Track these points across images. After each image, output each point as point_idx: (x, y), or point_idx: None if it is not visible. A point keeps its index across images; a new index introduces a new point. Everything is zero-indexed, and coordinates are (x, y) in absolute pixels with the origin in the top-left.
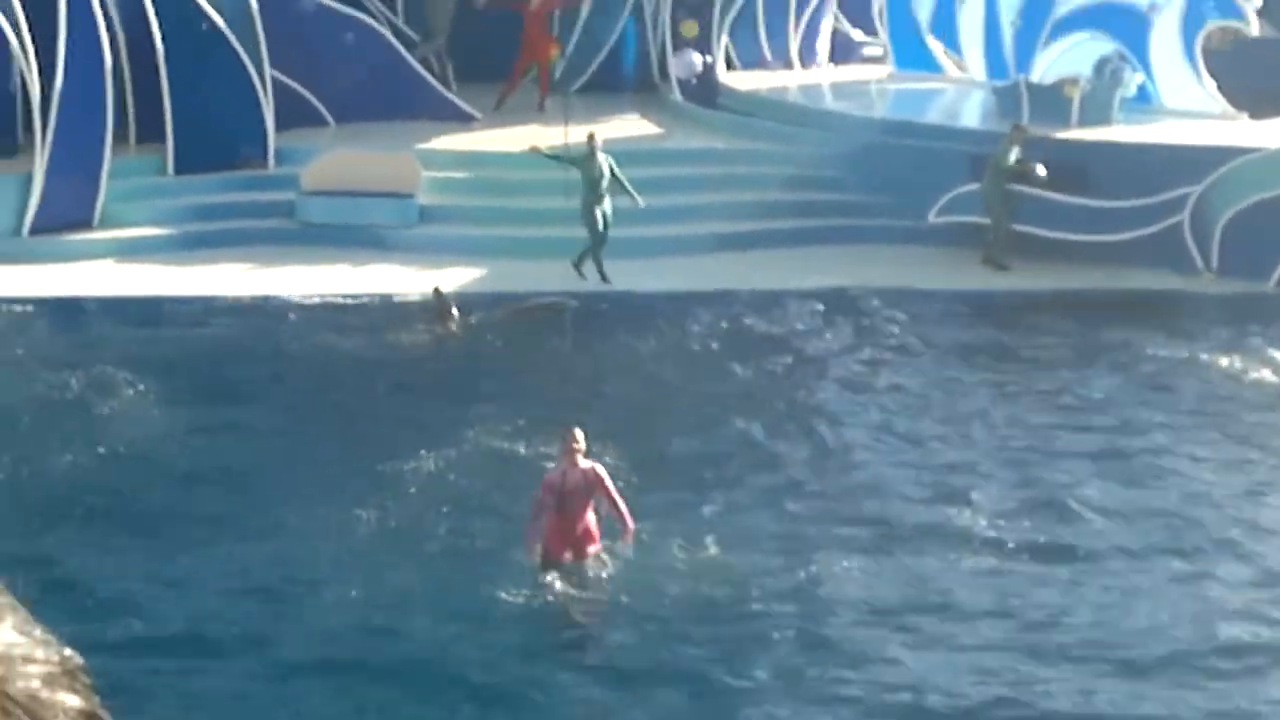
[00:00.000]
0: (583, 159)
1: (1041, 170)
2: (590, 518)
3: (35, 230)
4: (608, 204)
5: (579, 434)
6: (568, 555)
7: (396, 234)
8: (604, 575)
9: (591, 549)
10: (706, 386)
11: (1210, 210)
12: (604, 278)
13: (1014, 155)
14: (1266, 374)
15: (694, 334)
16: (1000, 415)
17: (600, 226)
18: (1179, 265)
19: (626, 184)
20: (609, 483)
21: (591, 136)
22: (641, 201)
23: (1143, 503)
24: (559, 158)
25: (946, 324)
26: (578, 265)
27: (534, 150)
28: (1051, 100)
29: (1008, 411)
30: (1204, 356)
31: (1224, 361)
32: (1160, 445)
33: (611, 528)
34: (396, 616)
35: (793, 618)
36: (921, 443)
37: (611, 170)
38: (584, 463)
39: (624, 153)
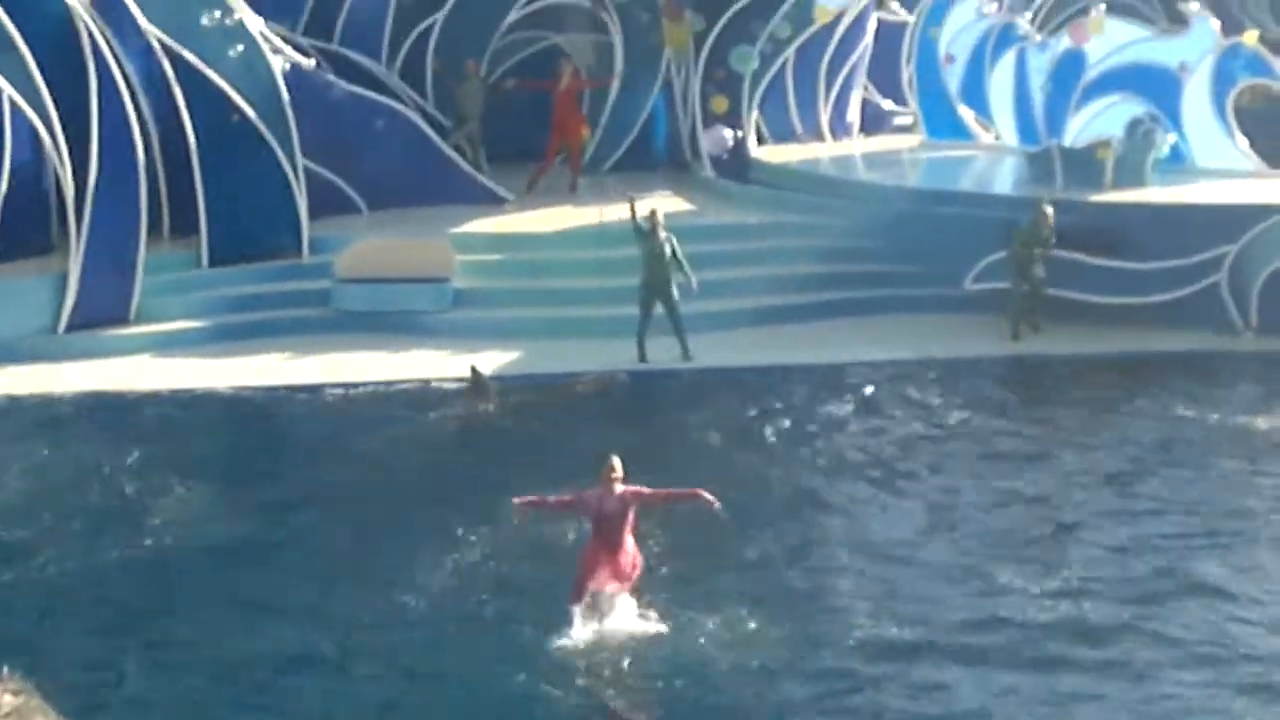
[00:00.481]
0: (643, 235)
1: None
2: (630, 543)
3: (71, 327)
4: (671, 282)
5: (617, 462)
6: (611, 582)
7: (432, 319)
8: (649, 653)
9: (634, 574)
10: (749, 462)
11: (1248, 269)
12: (642, 357)
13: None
14: None
15: (736, 410)
16: (1044, 486)
17: (654, 305)
18: (1219, 325)
19: (685, 263)
20: (648, 491)
21: (654, 213)
22: (695, 283)
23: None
24: (637, 228)
25: (991, 391)
26: (642, 343)
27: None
28: (1085, 164)
29: (1051, 482)
30: (1243, 418)
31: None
32: (1201, 527)
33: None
34: (432, 696)
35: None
36: (965, 518)
37: (673, 249)
38: (620, 488)
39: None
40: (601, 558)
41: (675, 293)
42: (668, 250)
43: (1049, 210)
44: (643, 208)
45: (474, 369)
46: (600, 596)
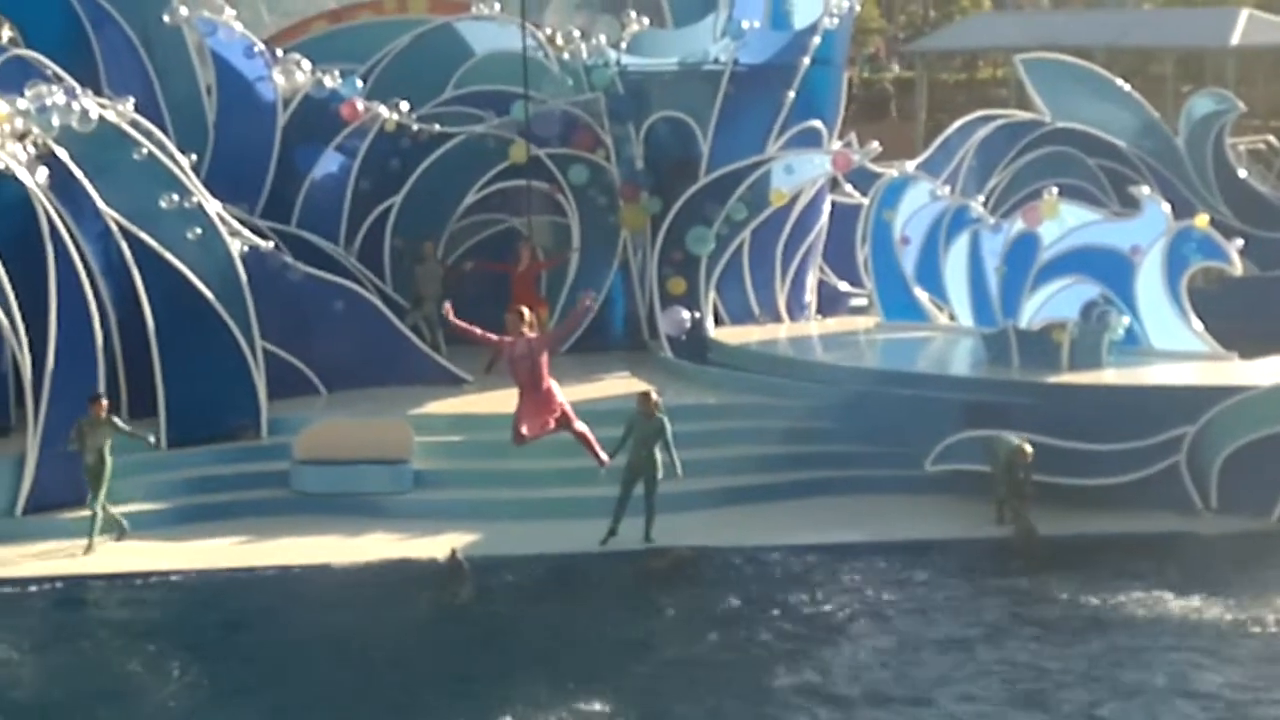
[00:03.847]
0: (637, 418)
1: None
2: (548, 385)
3: (29, 510)
4: (658, 465)
5: (525, 311)
6: (536, 422)
7: (392, 500)
8: None
9: (558, 411)
10: (715, 648)
11: (1207, 449)
12: (612, 533)
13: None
14: (1269, 616)
15: (700, 594)
16: (1011, 674)
17: (635, 485)
18: (1179, 505)
19: (673, 449)
20: (547, 335)
21: (647, 395)
22: (680, 470)
23: None
24: (624, 438)
25: (955, 575)
26: (617, 522)
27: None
28: (1040, 346)
29: (1018, 670)
30: (1200, 602)
31: (1220, 609)
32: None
33: None
34: None
35: None
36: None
37: (662, 433)
38: (529, 334)
39: (616, 411)
40: (525, 401)
41: (659, 475)
42: (657, 433)
43: (1028, 449)
44: (614, 387)
45: (453, 552)
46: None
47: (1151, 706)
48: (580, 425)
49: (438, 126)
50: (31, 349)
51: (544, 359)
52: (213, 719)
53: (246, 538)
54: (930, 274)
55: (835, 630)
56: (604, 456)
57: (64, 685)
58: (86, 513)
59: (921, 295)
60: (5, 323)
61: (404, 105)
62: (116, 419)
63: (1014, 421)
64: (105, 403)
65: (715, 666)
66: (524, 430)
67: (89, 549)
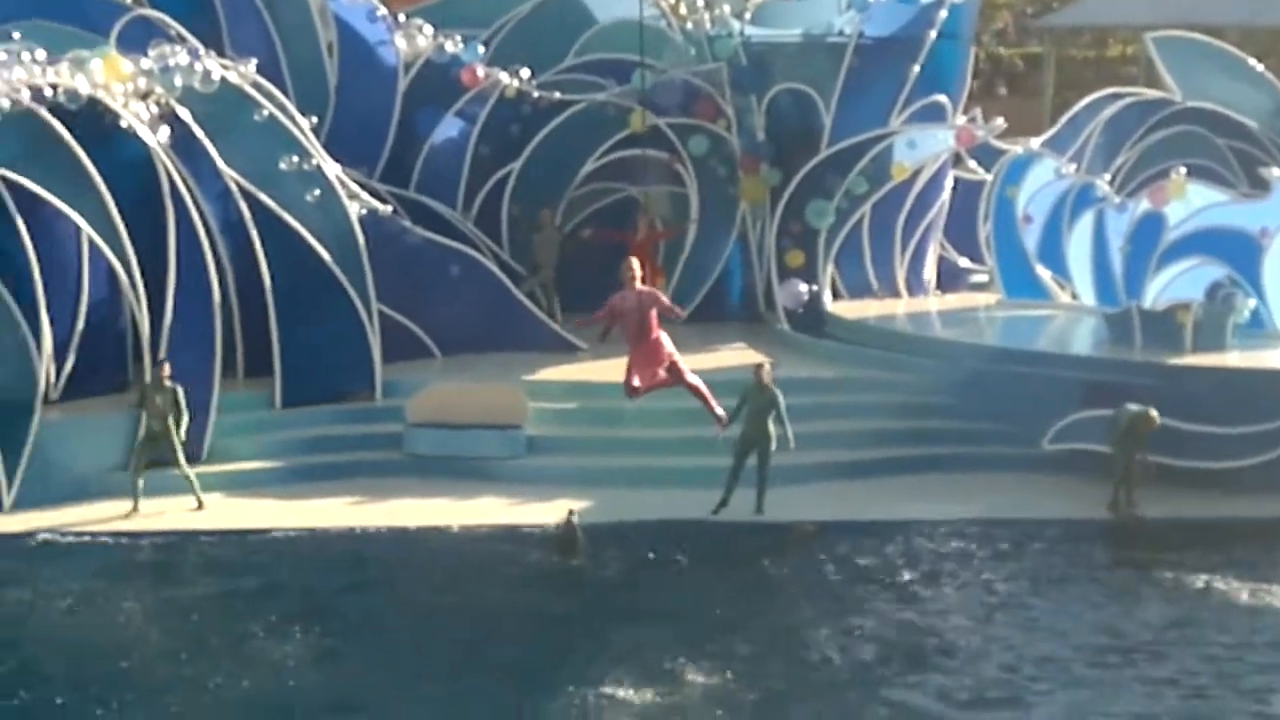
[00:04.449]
0: (751, 390)
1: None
2: (657, 335)
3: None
4: (771, 437)
5: (635, 264)
6: (647, 373)
7: (504, 465)
8: None
9: (666, 361)
10: (828, 619)
11: None
12: (724, 504)
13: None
14: None
15: (814, 566)
16: (1130, 653)
17: (749, 456)
18: None
19: (786, 422)
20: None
21: (762, 367)
22: (793, 442)
23: None
24: (736, 411)
25: (1066, 553)
26: (729, 493)
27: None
28: (1164, 326)
29: (1136, 649)
30: None
31: None
32: None
33: None
34: None
35: None
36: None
37: (777, 404)
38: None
39: (731, 382)
40: (634, 353)
41: (772, 447)
42: (770, 405)
43: (1154, 415)
44: (729, 358)
45: (570, 514)
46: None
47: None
48: (693, 378)
49: (558, 94)
50: (150, 306)
51: (652, 312)
52: (326, 675)
53: (359, 498)
54: (1053, 252)
55: (946, 607)
56: (720, 412)
57: (178, 639)
58: (202, 468)
59: (1043, 273)
60: (125, 280)
61: (525, 72)
62: (179, 388)
63: (1135, 402)
64: (168, 368)
65: (823, 640)
66: (635, 382)
67: (200, 505)
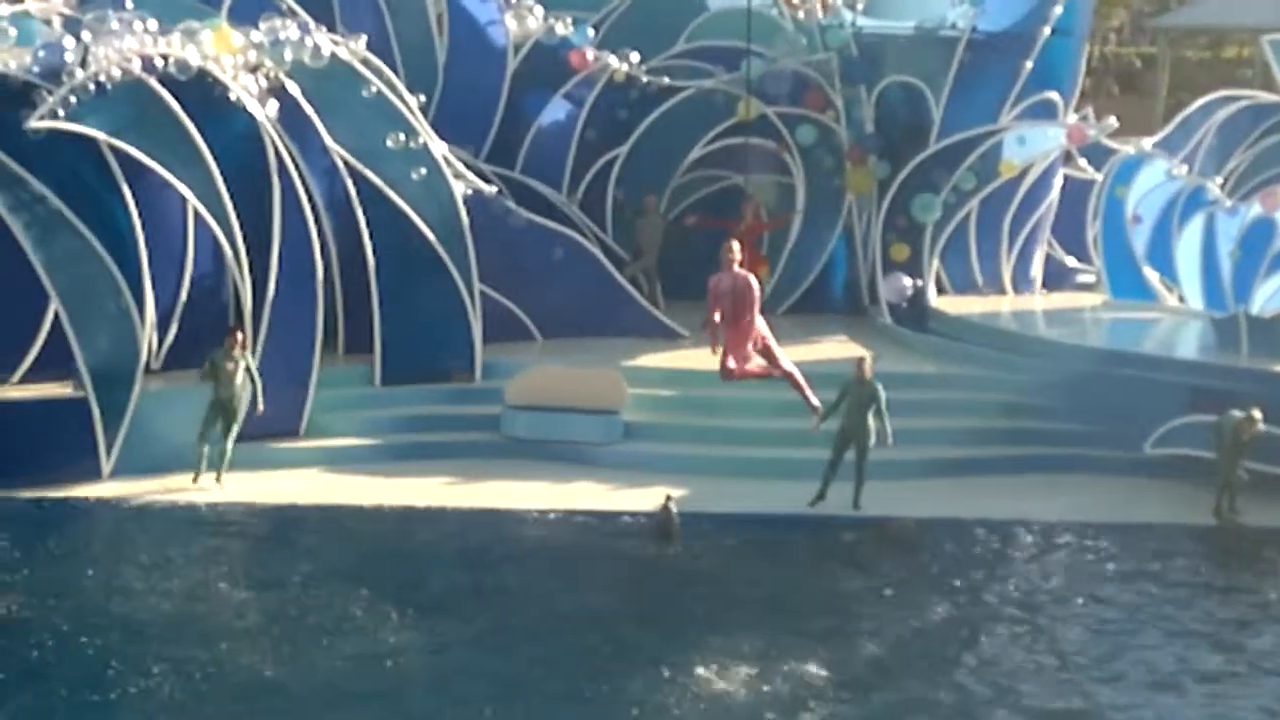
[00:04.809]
0: (852, 383)
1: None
2: (752, 318)
3: (243, 437)
4: (870, 432)
5: (735, 246)
6: (739, 354)
7: (601, 451)
8: None
9: (757, 345)
10: (926, 616)
11: None
12: (821, 497)
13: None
14: None
15: (910, 563)
16: (1231, 664)
17: (847, 450)
18: None
19: (886, 416)
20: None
21: (862, 360)
22: (892, 438)
23: None
24: (836, 404)
25: (1168, 560)
26: (826, 485)
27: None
28: (1271, 333)
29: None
30: None
31: None
32: None
33: None
34: None
35: None
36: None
37: (878, 399)
38: (736, 270)
39: (831, 375)
40: (728, 336)
41: (871, 441)
42: (870, 400)
43: (1258, 415)
44: (831, 351)
45: (668, 499)
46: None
47: None
48: (788, 365)
49: (666, 79)
50: (253, 280)
51: (748, 295)
52: (422, 653)
53: (454, 479)
54: (1161, 254)
55: (1040, 607)
56: (816, 403)
57: (273, 614)
58: (300, 443)
59: (1151, 275)
60: (229, 253)
61: (634, 56)
62: (249, 357)
63: (1239, 408)
64: (241, 337)
65: (918, 635)
66: (729, 364)
67: (219, 479)
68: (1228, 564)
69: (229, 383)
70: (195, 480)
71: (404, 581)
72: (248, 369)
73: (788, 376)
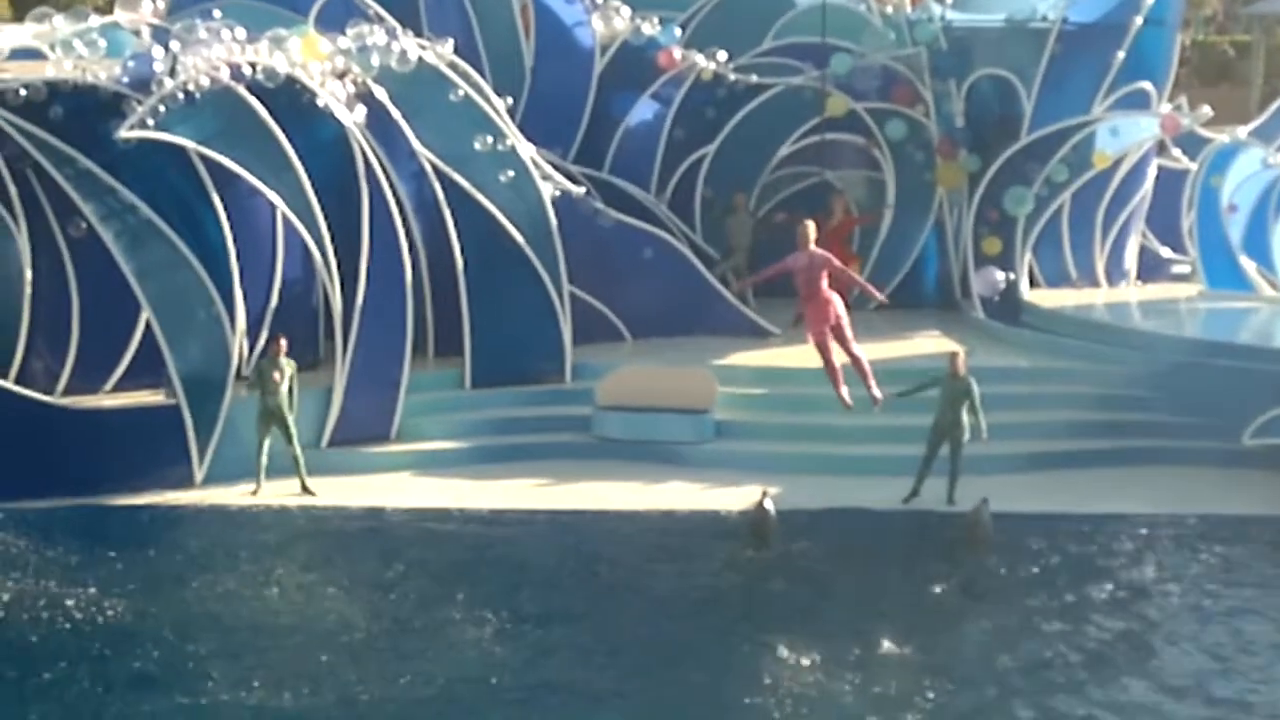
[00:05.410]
0: (945, 378)
1: None
2: (827, 294)
3: (334, 442)
4: (964, 426)
5: (810, 225)
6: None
7: (692, 450)
8: None
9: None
10: (1023, 614)
11: None
12: (915, 493)
13: None
14: None
15: (1010, 559)
16: None
17: (940, 446)
18: None
19: (979, 411)
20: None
21: (955, 355)
22: (985, 432)
23: None
24: (920, 386)
25: (1268, 552)
26: (920, 482)
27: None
28: None
29: None
30: None
31: None
32: None
33: None
34: None
35: None
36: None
37: (971, 394)
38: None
39: (924, 370)
40: (807, 312)
41: (965, 437)
42: (964, 394)
43: None
44: (923, 346)
45: (765, 496)
46: None
47: None
48: (856, 349)
49: (754, 77)
50: (343, 284)
51: (824, 274)
52: (520, 654)
53: (547, 480)
54: (1258, 243)
55: (1140, 602)
56: (877, 394)
57: (375, 617)
58: (391, 447)
59: (1248, 265)
60: (319, 258)
61: (721, 55)
62: (293, 364)
63: None
64: (284, 344)
65: (1018, 631)
66: (811, 336)
67: (305, 487)
68: None
69: (275, 390)
70: (255, 493)
71: (498, 582)
72: (292, 376)
73: (854, 361)
